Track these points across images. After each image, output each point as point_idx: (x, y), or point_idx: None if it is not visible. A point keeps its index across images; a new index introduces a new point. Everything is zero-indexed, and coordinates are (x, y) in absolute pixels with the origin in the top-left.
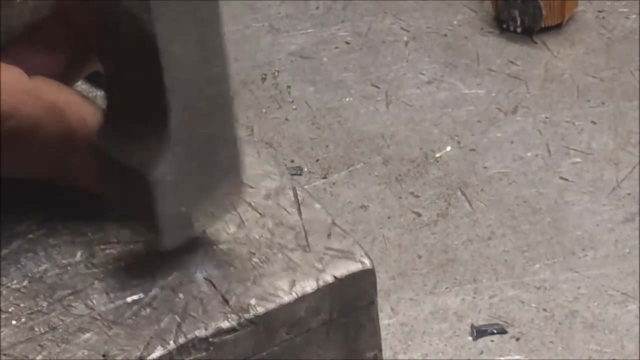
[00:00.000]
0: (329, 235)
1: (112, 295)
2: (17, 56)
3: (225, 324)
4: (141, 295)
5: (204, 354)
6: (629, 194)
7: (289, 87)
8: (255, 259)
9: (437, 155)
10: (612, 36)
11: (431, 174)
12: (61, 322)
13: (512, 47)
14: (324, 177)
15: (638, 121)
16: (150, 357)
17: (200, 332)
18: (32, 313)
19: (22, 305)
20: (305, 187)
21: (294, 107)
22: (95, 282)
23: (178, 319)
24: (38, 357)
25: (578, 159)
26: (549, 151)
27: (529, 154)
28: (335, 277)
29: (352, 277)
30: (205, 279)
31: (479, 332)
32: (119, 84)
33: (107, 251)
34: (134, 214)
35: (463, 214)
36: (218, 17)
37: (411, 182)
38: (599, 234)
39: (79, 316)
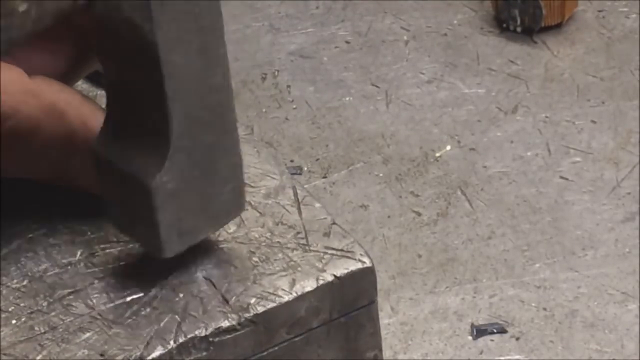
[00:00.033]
0: (329, 235)
1: (112, 295)
2: (17, 56)
3: (225, 324)
4: (141, 294)
5: (204, 353)
6: (629, 194)
7: (289, 86)
8: (255, 258)
9: (437, 154)
10: (612, 36)
11: (431, 174)
12: (61, 322)
13: (512, 46)
14: (324, 177)
15: (638, 121)
16: (150, 357)
17: (200, 332)
18: (32, 312)
19: (22, 304)
20: (305, 186)
21: (294, 106)
22: (95, 281)
23: (178, 318)
24: (38, 357)
25: (578, 159)
26: (549, 150)
27: (529, 154)
28: (335, 277)
29: (352, 277)
30: (205, 278)
31: (479, 332)
32: (120, 91)
33: (107, 251)
34: (131, 223)
35: (463, 214)
36: (220, 25)
37: (411, 181)
38: (599, 234)
39: (79, 315)
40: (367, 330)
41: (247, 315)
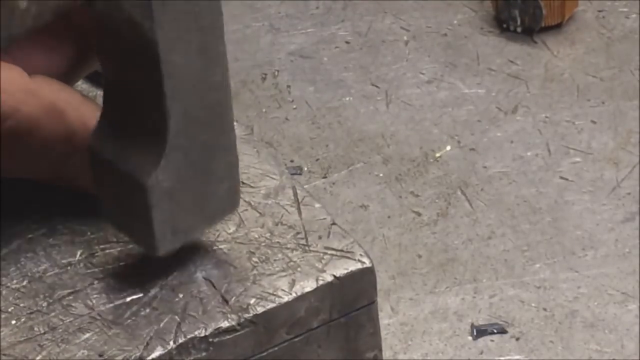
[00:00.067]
0: (328, 235)
1: (111, 295)
2: (17, 56)
3: (224, 324)
4: (141, 295)
5: (203, 354)
6: (629, 194)
7: (289, 86)
8: (254, 259)
9: (437, 154)
10: (612, 36)
11: (431, 174)
12: (61, 322)
13: (512, 46)
14: (324, 177)
15: (638, 121)
16: (149, 357)
17: (200, 332)
18: (31, 313)
19: (21, 305)
20: (305, 186)
21: (294, 106)
22: (95, 282)
23: (178, 318)
24: (38, 357)
25: (578, 159)
26: (549, 151)
27: (529, 154)
28: (335, 277)
29: (352, 277)
30: (205, 278)
31: (479, 332)
32: (118, 89)
33: (107, 251)
34: (126, 220)
35: (463, 214)
36: (220, 25)
37: (411, 181)
38: (599, 234)
39: (79, 316)
40: (367, 330)
41: (246, 315)
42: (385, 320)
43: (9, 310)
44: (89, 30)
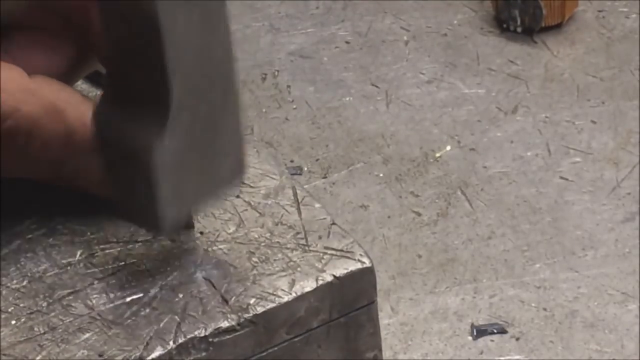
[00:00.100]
0: (328, 235)
1: (111, 295)
2: (17, 56)
3: (224, 324)
4: (140, 295)
5: (203, 354)
6: (629, 194)
7: (289, 86)
8: (254, 259)
9: (437, 154)
10: (612, 36)
11: (431, 174)
12: (61, 322)
13: (512, 46)
14: (324, 177)
15: (638, 121)
16: (149, 357)
17: (200, 332)
18: (31, 313)
19: (21, 305)
20: (305, 186)
21: (294, 106)
22: (95, 282)
23: (177, 318)
24: (38, 357)
25: (578, 159)
26: (549, 151)
27: (529, 154)
28: (335, 277)
29: (352, 277)
30: (205, 278)
31: (479, 332)
32: (120, 60)
33: (107, 251)
34: (129, 196)
35: (463, 214)
36: None
37: (411, 181)
38: (599, 234)
39: (79, 316)
40: (367, 330)
41: (246, 315)
42: (385, 320)
43: (9, 310)
44: (89, 30)
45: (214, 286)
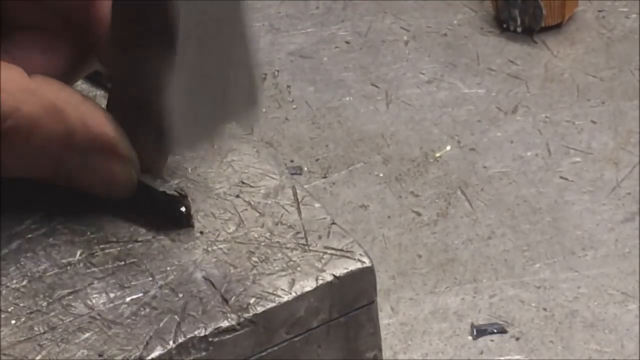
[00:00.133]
0: (328, 235)
1: (111, 295)
2: (17, 56)
3: (224, 324)
4: (140, 294)
5: (203, 353)
6: (629, 194)
7: (289, 86)
8: (254, 258)
9: (437, 154)
10: (612, 36)
11: (431, 174)
12: (60, 322)
13: (512, 46)
14: (324, 177)
15: (638, 121)
16: (149, 357)
17: (200, 332)
18: (31, 313)
19: (21, 304)
20: (305, 186)
21: (294, 106)
22: (95, 281)
23: (177, 318)
24: (37, 357)
25: (578, 159)
26: (549, 151)
27: (529, 154)
28: (334, 276)
29: (352, 277)
30: (205, 278)
31: (479, 332)
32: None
33: (107, 251)
34: (141, 122)
35: (463, 214)
36: None
37: (411, 181)
38: (599, 234)
39: (79, 316)
40: (367, 330)
41: (246, 315)
42: (385, 320)
43: (9, 310)
44: (89, 30)
45: (214, 286)
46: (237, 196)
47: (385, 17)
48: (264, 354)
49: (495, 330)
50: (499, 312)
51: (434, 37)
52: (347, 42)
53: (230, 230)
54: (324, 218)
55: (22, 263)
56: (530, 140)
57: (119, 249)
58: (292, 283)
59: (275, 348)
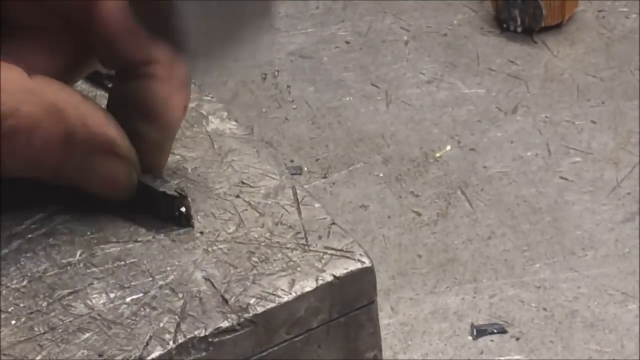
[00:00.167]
0: (328, 235)
1: (111, 295)
2: (17, 56)
3: (224, 324)
4: (140, 294)
5: (203, 353)
6: (629, 194)
7: (289, 86)
8: (254, 258)
9: (437, 154)
10: (612, 36)
11: (431, 174)
12: (60, 322)
13: (512, 46)
14: (324, 177)
15: (638, 121)
16: (149, 357)
17: (200, 332)
18: (31, 313)
19: (21, 305)
20: (305, 186)
21: (294, 106)
22: (95, 281)
23: (177, 318)
24: (37, 357)
25: (578, 159)
26: (549, 151)
27: (529, 154)
28: (334, 277)
29: (352, 277)
30: (205, 278)
31: (479, 332)
32: None
33: (107, 251)
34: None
35: (463, 214)
36: None
37: (411, 181)
38: (599, 234)
39: (79, 316)
40: (366, 330)
41: (246, 315)
42: (385, 320)
43: (9, 310)
44: (89, 30)
45: (213, 286)
46: (237, 196)
47: (385, 17)
48: (264, 354)
49: (495, 330)
50: (499, 312)
51: (434, 37)
52: (347, 42)
53: (230, 231)
54: (324, 218)
55: (22, 263)
56: (530, 140)
57: (119, 249)
58: (292, 283)
59: (275, 348)
